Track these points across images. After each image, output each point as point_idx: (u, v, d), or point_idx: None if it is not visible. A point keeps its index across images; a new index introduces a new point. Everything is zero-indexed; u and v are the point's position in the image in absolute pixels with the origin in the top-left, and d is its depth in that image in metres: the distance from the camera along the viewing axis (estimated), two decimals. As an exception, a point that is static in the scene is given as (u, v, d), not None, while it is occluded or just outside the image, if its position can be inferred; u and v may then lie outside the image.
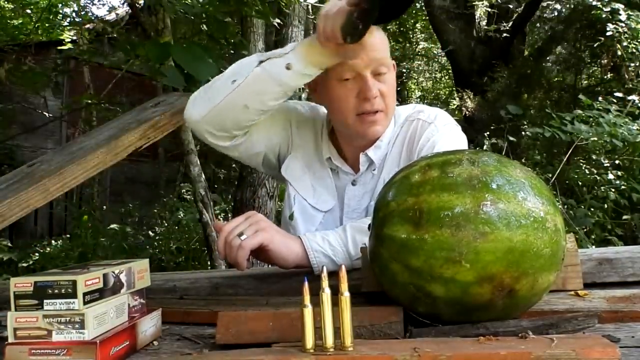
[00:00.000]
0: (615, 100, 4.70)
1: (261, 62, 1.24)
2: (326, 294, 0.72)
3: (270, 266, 1.43)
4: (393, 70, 1.35)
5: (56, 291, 0.77)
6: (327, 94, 1.33)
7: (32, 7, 9.11)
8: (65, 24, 9.65)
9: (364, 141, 1.37)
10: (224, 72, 1.32)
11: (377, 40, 1.26)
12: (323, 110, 1.49)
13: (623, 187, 4.28)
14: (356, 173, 1.41)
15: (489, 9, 7.67)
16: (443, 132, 1.35)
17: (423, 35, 11.58)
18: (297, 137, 1.45)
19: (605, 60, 6.55)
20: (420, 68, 11.96)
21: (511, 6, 7.55)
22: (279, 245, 1.16)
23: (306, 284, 0.73)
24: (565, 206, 4.18)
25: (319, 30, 1.18)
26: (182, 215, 7.07)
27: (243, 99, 1.26)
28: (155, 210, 7.87)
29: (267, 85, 1.24)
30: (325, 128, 1.45)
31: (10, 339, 0.77)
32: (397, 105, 1.42)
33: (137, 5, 4.25)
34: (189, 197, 7.36)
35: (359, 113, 1.30)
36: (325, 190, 1.42)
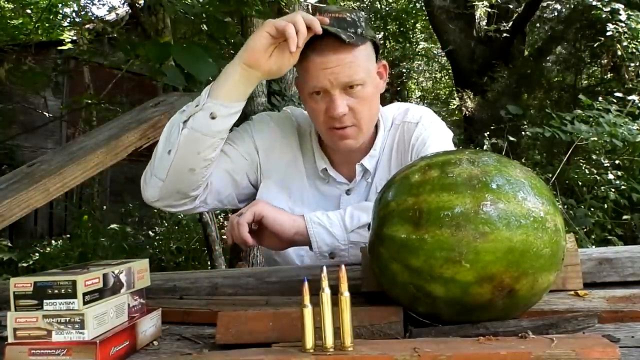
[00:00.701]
0: (615, 100, 4.69)
1: (185, 122, 1.19)
2: (326, 294, 0.72)
3: (270, 266, 1.43)
4: (372, 81, 1.29)
5: (56, 291, 0.77)
6: (304, 101, 1.33)
7: (32, 7, 9.10)
8: (65, 24, 9.64)
9: (342, 152, 1.35)
10: (158, 144, 1.27)
11: (341, 63, 1.21)
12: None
13: (623, 187, 4.28)
14: (350, 182, 1.39)
15: (489, 9, 7.67)
16: (431, 130, 1.37)
17: (423, 35, 11.58)
18: (267, 162, 1.39)
19: (605, 60, 6.55)
20: (420, 68, 11.95)
21: (511, 6, 7.54)
22: (273, 214, 1.22)
23: (306, 284, 0.74)
24: (565, 206, 4.18)
25: None
26: (182, 215, 7.07)
27: (185, 164, 1.22)
28: (155, 210, 7.86)
29: (200, 142, 1.20)
30: (316, 138, 1.41)
31: (10, 339, 0.77)
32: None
33: (137, 5, 4.25)
34: (189, 197, 7.34)
35: (329, 127, 1.28)
36: (310, 205, 1.37)
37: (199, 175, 1.25)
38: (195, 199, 1.31)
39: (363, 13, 1.31)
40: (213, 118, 1.18)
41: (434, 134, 1.36)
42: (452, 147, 1.40)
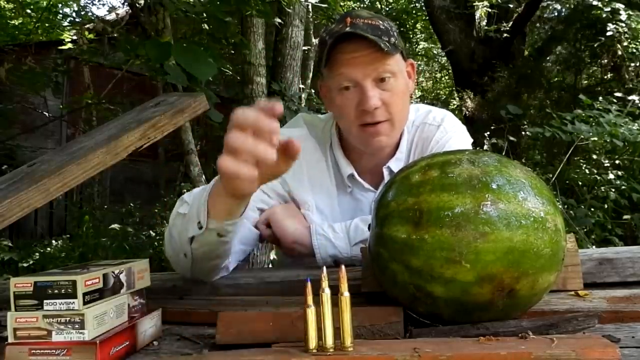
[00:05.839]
0: (615, 100, 4.70)
1: (190, 239, 1.05)
2: (326, 294, 0.72)
3: (270, 266, 1.43)
4: (402, 74, 1.26)
5: (56, 291, 0.77)
6: (330, 102, 1.28)
7: (32, 7, 9.10)
8: (65, 24, 9.64)
9: (372, 152, 1.30)
10: (167, 242, 1.16)
11: (372, 55, 1.17)
12: (322, 125, 1.40)
13: (623, 187, 4.28)
14: (376, 189, 1.34)
15: (489, 9, 7.67)
16: (451, 134, 1.33)
17: (423, 35, 11.59)
18: (298, 191, 1.33)
19: (605, 60, 6.56)
20: (420, 68, 11.96)
21: (511, 6, 7.55)
22: (280, 220, 1.25)
23: (309, 284, 0.73)
24: (565, 206, 4.18)
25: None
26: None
27: (206, 264, 1.12)
28: (156, 210, 7.86)
29: (215, 249, 1.07)
30: (338, 144, 1.35)
31: (10, 339, 0.77)
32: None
33: (137, 5, 4.24)
34: (189, 197, 7.34)
35: (360, 124, 1.23)
36: (345, 218, 1.32)
37: (225, 258, 1.15)
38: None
39: (394, 23, 1.28)
40: (221, 236, 1.04)
41: (453, 139, 1.32)
42: None
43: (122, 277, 0.87)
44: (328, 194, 1.35)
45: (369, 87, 1.19)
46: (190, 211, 1.07)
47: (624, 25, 5.66)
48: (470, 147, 1.38)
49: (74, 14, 10.02)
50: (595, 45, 6.05)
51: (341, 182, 1.36)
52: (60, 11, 9.92)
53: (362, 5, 11.43)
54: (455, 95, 8.95)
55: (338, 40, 1.19)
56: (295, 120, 1.45)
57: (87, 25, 7.32)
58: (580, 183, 4.59)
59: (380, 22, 1.22)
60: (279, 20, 4.81)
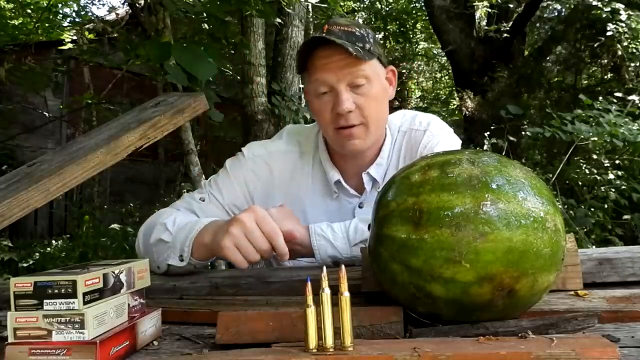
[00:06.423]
0: (615, 100, 4.70)
1: (167, 263, 1.27)
2: (326, 294, 0.72)
3: (270, 266, 1.43)
4: (379, 79, 1.28)
5: (56, 291, 0.77)
6: (310, 106, 1.32)
7: (32, 7, 9.10)
8: (65, 24, 9.65)
9: (349, 155, 1.33)
10: (145, 250, 1.34)
11: (347, 60, 1.20)
12: (309, 137, 1.43)
13: (623, 187, 4.28)
14: (360, 194, 1.37)
15: (489, 9, 7.67)
16: (439, 137, 1.35)
17: (423, 35, 11.60)
18: (265, 200, 1.39)
19: (605, 60, 6.56)
20: (420, 68, 11.97)
21: (511, 6, 7.55)
22: (278, 221, 1.21)
23: (309, 284, 0.73)
24: (565, 206, 4.18)
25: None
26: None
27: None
28: (156, 210, 7.85)
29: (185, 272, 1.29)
30: (324, 150, 1.39)
31: (10, 339, 0.77)
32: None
33: (137, 5, 4.25)
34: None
35: (336, 127, 1.27)
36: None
37: None
38: None
39: (373, 31, 1.30)
40: (195, 267, 1.27)
41: (442, 142, 1.34)
42: None
43: (122, 277, 0.87)
44: (312, 204, 1.38)
45: (343, 90, 1.23)
46: (173, 242, 1.24)
47: (624, 25, 5.66)
48: (459, 148, 1.39)
49: (74, 14, 10.03)
50: (595, 45, 6.05)
51: (328, 189, 1.38)
52: (60, 11, 9.92)
53: (362, 6, 11.43)
54: (455, 95, 8.96)
55: (313, 47, 1.23)
56: (278, 135, 1.49)
57: (87, 25, 7.33)
58: (580, 183, 4.59)
59: (357, 29, 1.25)
60: (279, 20, 4.81)
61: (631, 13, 5.72)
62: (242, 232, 1.10)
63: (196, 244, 1.21)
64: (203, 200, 1.38)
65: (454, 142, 1.38)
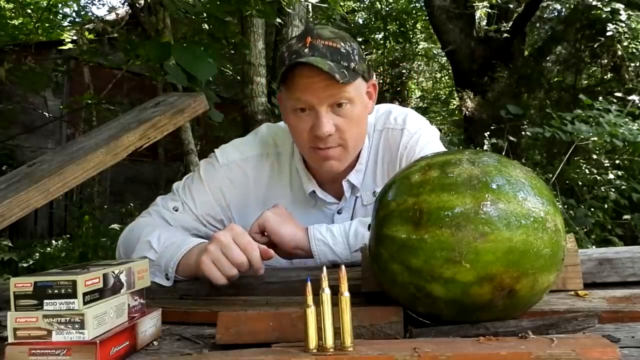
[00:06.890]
0: (615, 100, 4.70)
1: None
2: (326, 294, 0.72)
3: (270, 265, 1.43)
4: (361, 98, 1.23)
5: (56, 291, 0.77)
6: (285, 118, 1.27)
7: (32, 7, 9.11)
8: (65, 24, 9.65)
9: (325, 173, 1.30)
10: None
11: (329, 81, 1.14)
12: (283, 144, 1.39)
13: (623, 187, 4.28)
14: (339, 200, 1.35)
15: (489, 9, 7.67)
16: (418, 135, 1.32)
17: (423, 35, 11.59)
18: (242, 211, 1.37)
19: (605, 60, 6.56)
20: (420, 68, 11.97)
21: (511, 6, 7.55)
22: (277, 225, 1.21)
23: (309, 284, 0.73)
24: (565, 206, 4.18)
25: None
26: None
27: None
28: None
29: None
30: (300, 158, 1.34)
31: (10, 339, 0.77)
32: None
33: (137, 5, 4.25)
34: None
35: (312, 147, 1.22)
36: None
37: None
38: None
39: (357, 44, 1.24)
40: (176, 281, 1.25)
41: (422, 140, 1.31)
42: (442, 148, 1.35)
43: (122, 277, 0.87)
44: (291, 212, 1.32)
45: (323, 112, 1.17)
46: (158, 261, 1.23)
47: (624, 25, 5.66)
48: (439, 142, 1.36)
49: (74, 14, 10.04)
50: (595, 45, 6.05)
51: (304, 196, 1.36)
52: (60, 11, 9.92)
53: (362, 6, 11.43)
54: (455, 95, 8.95)
55: (295, 64, 1.16)
56: (254, 134, 1.44)
57: (87, 25, 7.33)
58: (580, 183, 4.59)
59: (342, 43, 1.18)
60: (279, 20, 4.81)
61: (631, 13, 5.72)
62: (219, 248, 1.09)
63: (181, 264, 1.21)
64: (177, 210, 1.35)
65: (432, 135, 1.35)
